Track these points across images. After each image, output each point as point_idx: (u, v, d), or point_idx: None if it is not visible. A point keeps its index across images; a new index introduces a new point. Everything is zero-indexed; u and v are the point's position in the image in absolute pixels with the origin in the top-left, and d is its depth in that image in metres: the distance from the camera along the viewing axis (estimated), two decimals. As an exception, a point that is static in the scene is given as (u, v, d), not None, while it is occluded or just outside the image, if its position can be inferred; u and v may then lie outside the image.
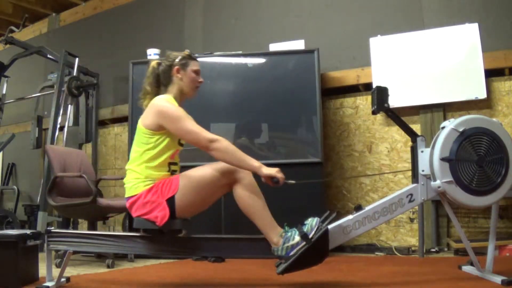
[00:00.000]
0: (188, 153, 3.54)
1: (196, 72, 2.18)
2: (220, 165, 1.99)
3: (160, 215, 1.95)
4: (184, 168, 3.43)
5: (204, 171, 2.00)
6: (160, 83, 2.18)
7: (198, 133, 1.99)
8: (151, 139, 2.03)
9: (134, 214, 2.03)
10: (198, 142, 1.99)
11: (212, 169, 1.99)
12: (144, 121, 2.06)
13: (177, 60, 2.15)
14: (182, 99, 2.18)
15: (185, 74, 2.15)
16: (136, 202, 2.00)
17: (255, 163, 1.96)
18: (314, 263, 1.97)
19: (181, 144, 2.14)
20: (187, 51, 2.21)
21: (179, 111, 2.04)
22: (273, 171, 1.95)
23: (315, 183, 3.24)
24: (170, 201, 1.96)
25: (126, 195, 2.06)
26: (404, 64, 3.50)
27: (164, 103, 2.05)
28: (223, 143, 1.97)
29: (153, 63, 2.20)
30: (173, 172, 2.10)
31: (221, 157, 1.96)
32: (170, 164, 2.08)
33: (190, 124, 2.01)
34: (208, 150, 1.98)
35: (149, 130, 2.03)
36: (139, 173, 2.02)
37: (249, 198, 1.97)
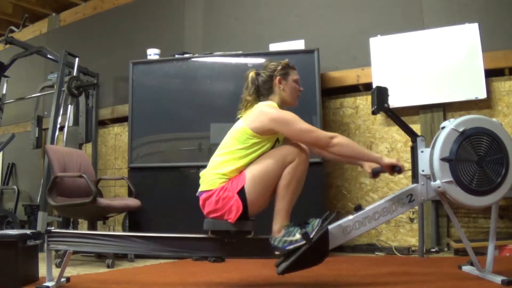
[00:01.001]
0: (188, 153, 3.58)
1: (296, 82, 2.20)
2: (285, 147, 2.02)
3: (234, 208, 1.96)
4: (185, 169, 3.48)
5: (267, 156, 2.01)
6: (260, 93, 2.18)
7: (317, 131, 2.05)
8: (251, 140, 2.03)
9: (206, 210, 2.03)
10: (318, 140, 2.02)
11: (276, 152, 2.02)
12: (252, 123, 2.04)
13: (277, 70, 2.16)
14: (283, 108, 2.17)
15: (286, 84, 2.16)
16: (210, 198, 2.01)
17: (375, 154, 2.08)
18: (314, 263, 1.97)
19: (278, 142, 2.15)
20: (286, 60, 2.22)
21: (292, 115, 2.05)
22: (394, 160, 2.04)
23: (315, 183, 3.24)
24: (241, 194, 1.97)
25: (200, 189, 2.06)
26: (404, 64, 3.50)
27: (274, 110, 2.06)
28: (342, 138, 2.02)
29: (252, 73, 2.19)
30: None
31: (343, 151, 2.01)
32: None
33: (307, 125, 2.04)
34: (329, 147, 2.01)
35: (254, 133, 2.03)
36: (222, 169, 2.02)
37: (293, 178, 1.97)
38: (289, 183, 1.97)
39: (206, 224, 2.03)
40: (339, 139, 2.00)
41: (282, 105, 2.16)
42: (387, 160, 2.03)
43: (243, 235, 2.06)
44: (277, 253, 1.96)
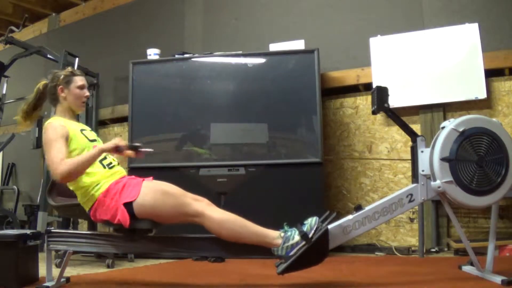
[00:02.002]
0: (188, 153, 3.57)
1: (81, 87, 2.24)
2: (187, 199, 2.02)
3: (122, 219, 1.98)
4: (185, 169, 3.47)
5: (171, 193, 2.03)
6: (43, 102, 2.28)
7: (53, 157, 2.00)
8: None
9: (99, 220, 2.08)
10: (51, 164, 2.00)
11: (179, 197, 2.02)
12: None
13: (60, 79, 2.21)
14: (72, 114, 2.25)
15: (69, 93, 2.22)
16: (98, 210, 2.04)
17: (95, 150, 2.03)
18: (314, 263, 1.97)
19: (93, 140, 2.18)
20: (69, 68, 2.31)
21: (51, 136, 2.05)
22: (111, 144, 2.04)
23: (315, 184, 3.24)
24: (128, 206, 1.99)
25: (87, 209, 2.09)
26: (404, 64, 3.50)
27: (47, 131, 2.08)
28: (65, 164, 1.96)
29: (39, 85, 2.28)
30: (110, 166, 2.13)
31: (72, 170, 1.96)
32: (101, 161, 2.12)
33: (54, 148, 2.01)
34: (58, 174, 1.96)
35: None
36: (84, 184, 2.05)
37: (227, 230, 1.97)
38: (228, 232, 1.97)
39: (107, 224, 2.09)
40: (64, 165, 1.95)
41: (69, 112, 2.23)
42: (105, 146, 2.05)
43: (144, 233, 2.10)
44: (282, 260, 1.95)
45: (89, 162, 2.01)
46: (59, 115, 2.21)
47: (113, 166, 2.16)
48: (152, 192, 2.02)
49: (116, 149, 2.07)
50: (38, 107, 2.28)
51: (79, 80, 2.24)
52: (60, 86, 2.20)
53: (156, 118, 3.66)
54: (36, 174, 5.23)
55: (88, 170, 2.04)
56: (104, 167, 2.11)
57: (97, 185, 2.05)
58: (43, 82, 2.27)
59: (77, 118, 2.36)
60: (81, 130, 2.18)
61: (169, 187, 2.07)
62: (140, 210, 1.99)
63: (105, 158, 2.15)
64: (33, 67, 5.38)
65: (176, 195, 2.02)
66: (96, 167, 2.08)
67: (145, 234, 2.12)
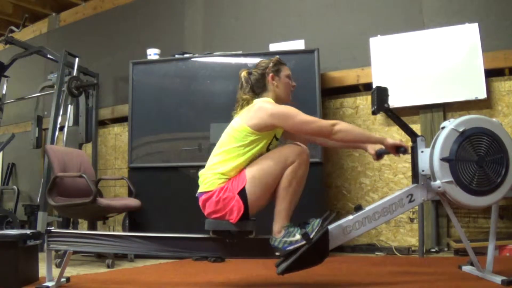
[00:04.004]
0: (188, 153, 3.57)
1: (289, 77, 2.20)
2: (285, 147, 2.01)
3: (236, 209, 1.95)
4: (185, 169, 3.48)
5: (268, 157, 2.01)
6: (254, 92, 2.17)
7: (318, 121, 2.07)
8: (249, 137, 2.02)
9: (206, 211, 2.02)
10: (320, 129, 2.04)
11: (276, 152, 2.02)
12: (250, 121, 2.03)
13: (269, 67, 2.16)
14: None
15: (279, 81, 2.17)
16: (210, 199, 2.00)
17: (377, 135, 2.09)
18: (314, 263, 1.97)
19: (277, 139, 2.15)
20: (277, 57, 2.22)
21: (291, 108, 2.06)
22: (398, 141, 2.08)
23: (316, 184, 3.24)
24: (242, 194, 1.96)
25: (200, 190, 2.05)
26: (404, 64, 3.50)
27: (272, 105, 2.06)
28: (344, 124, 2.04)
29: (244, 73, 2.19)
30: None
31: (346, 137, 2.03)
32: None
33: (307, 116, 2.05)
34: (332, 134, 2.02)
35: (252, 130, 2.02)
36: (221, 168, 2.01)
37: (293, 179, 1.96)
38: (290, 185, 1.97)
39: (207, 224, 2.03)
40: (340, 125, 2.02)
41: (277, 101, 2.15)
42: (391, 141, 2.07)
43: (245, 235, 2.06)
44: (277, 253, 1.96)
45: (365, 138, 2.12)
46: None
47: None
48: (253, 168, 1.99)
49: (398, 147, 2.06)
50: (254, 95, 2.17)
51: (287, 69, 2.20)
52: (271, 74, 2.15)
53: (156, 118, 3.66)
54: (36, 174, 5.23)
55: (240, 160, 2.00)
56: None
57: (226, 178, 2.00)
58: (245, 70, 2.20)
59: None
60: None
61: (263, 157, 2.03)
62: (251, 192, 1.95)
63: None
64: (33, 67, 5.39)
65: (274, 157, 2.00)
66: (247, 161, 2.03)
67: (246, 237, 2.06)
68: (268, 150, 2.10)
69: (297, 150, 2.00)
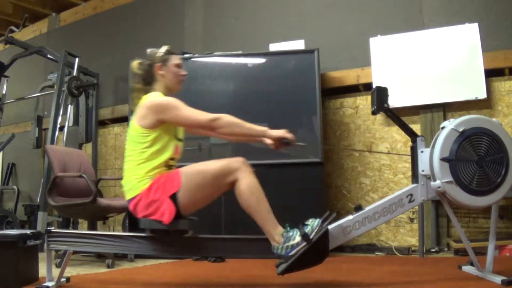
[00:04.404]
0: (188, 153, 3.57)
1: (178, 66, 2.18)
2: (223, 162, 1.98)
3: (167, 212, 1.94)
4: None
5: (206, 170, 1.98)
6: (146, 82, 2.17)
7: (198, 116, 2.01)
8: (147, 137, 2.01)
9: (139, 215, 2.01)
10: (200, 123, 2.00)
11: (215, 167, 1.98)
12: (140, 120, 2.04)
13: (156, 57, 2.15)
14: (170, 95, 2.15)
15: (167, 70, 2.15)
16: (139, 203, 1.99)
17: (261, 127, 2.00)
18: (314, 263, 1.96)
19: (179, 139, 2.13)
20: (166, 47, 2.21)
21: (174, 100, 2.03)
22: (281, 132, 1.99)
23: (315, 184, 3.25)
24: (173, 198, 1.95)
25: (127, 198, 2.04)
26: (404, 64, 3.50)
27: (157, 98, 2.05)
28: (225, 118, 1.99)
29: (134, 63, 2.19)
30: (170, 167, 2.08)
31: (228, 131, 1.99)
32: (169, 160, 2.07)
33: (189, 110, 2.02)
34: (212, 129, 1.99)
35: (145, 129, 2.01)
36: (137, 173, 2.01)
37: (250, 195, 1.94)
38: (251, 198, 1.94)
39: (143, 223, 2.02)
40: (220, 121, 1.98)
41: (167, 91, 2.15)
42: (274, 133, 1.99)
43: (180, 234, 2.07)
44: (282, 261, 1.95)
45: (248, 131, 2.01)
46: (160, 93, 2.12)
47: (172, 166, 2.10)
48: (190, 176, 1.98)
49: (281, 139, 2.00)
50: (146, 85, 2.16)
51: (177, 59, 2.19)
52: (158, 64, 2.13)
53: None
54: (36, 174, 5.24)
55: (155, 163, 1.99)
56: (165, 166, 2.05)
57: (148, 178, 1.99)
58: (136, 61, 2.19)
59: None
60: None
61: (203, 164, 2.01)
62: (184, 199, 1.95)
63: (173, 159, 2.10)
64: (33, 67, 5.39)
65: (212, 170, 1.97)
66: (162, 163, 2.02)
67: (181, 236, 2.08)
68: (179, 139, 2.11)
69: (237, 163, 1.96)
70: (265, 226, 1.96)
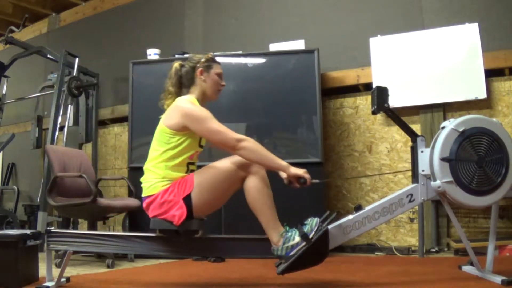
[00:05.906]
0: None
1: (219, 75, 2.19)
2: (235, 158, 1.99)
3: (178, 213, 1.95)
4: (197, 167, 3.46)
5: (218, 166, 2.00)
6: (182, 85, 2.18)
7: (225, 133, 1.99)
8: (172, 138, 2.02)
9: (150, 214, 2.03)
10: (225, 142, 1.99)
11: (226, 163, 1.99)
12: (168, 121, 2.05)
13: (201, 62, 2.15)
14: (204, 101, 2.16)
15: (208, 76, 2.16)
16: (153, 202, 2.00)
17: (283, 162, 1.99)
18: (314, 263, 1.96)
19: (201, 146, 2.13)
20: (210, 54, 2.22)
21: (204, 112, 2.04)
22: (301, 172, 1.98)
23: (315, 184, 3.24)
24: (187, 200, 1.96)
25: (143, 195, 2.05)
26: (404, 64, 3.50)
27: (188, 105, 2.05)
28: (251, 142, 1.97)
29: (176, 64, 2.19)
30: (190, 172, 2.09)
31: (249, 156, 1.96)
32: (188, 164, 2.08)
33: (216, 125, 2.01)
34: (235, 150, 1.97)
35: (171, 130, 2.02)
36: (157, 172, 2.02)
37: (258, 192, 1.95)
38: (258, 197, 1.95)
39: (153, 223, 2.03)
40: (246, 143, 1.96)
41: (203, 97, 2.15)
42: (294, 170, 1.97)
43: (190, 234, 2.07)
44: (282, 260, 1.95)
45: (268, 162, 1.98)
46: (194, 97, 2.12)
47: (192, 172, 2.10)
48: (203, 174, 1.99)
49: (299, 178, 1.99)
50: (182, 88, 2.18)
51: (219, 68, 2.19)
52: (200, 69, 2.14)
53: (156, 118, 3.62)
54: (36, 174, 5.24)
55: (174, 163, 2.01)
56: (186, 171, 2.06)
57: (168, 180, 2.00)
58: (178, 62, 2.20)
59: None
60: None
61: (215, 162, 2.02)
62: (197, 199, 1.95)
63: (193, 163, 2.11)
64: (33, 67, 5.39)
65: (224, 164, 1.98)
66: (181, 166, 2.04)
67: (191, 236, 2.08)
68: (200, 146, 2.11)
69: (244, 162, 1.98)
70: (267, 225, 1.96)
